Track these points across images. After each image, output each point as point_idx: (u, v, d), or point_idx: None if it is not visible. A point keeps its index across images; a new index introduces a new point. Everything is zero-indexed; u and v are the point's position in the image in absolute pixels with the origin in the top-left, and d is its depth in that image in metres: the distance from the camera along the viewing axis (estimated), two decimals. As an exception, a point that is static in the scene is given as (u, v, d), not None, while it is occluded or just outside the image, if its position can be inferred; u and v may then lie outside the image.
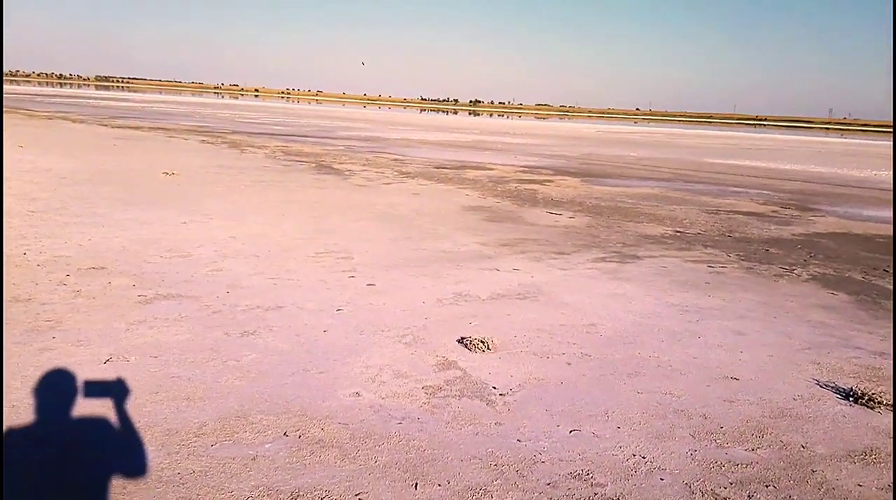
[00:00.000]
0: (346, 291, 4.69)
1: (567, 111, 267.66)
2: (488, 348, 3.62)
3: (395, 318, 4.15)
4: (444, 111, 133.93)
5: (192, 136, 19.28)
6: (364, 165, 14.27)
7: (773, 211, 10.28)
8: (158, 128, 21.67)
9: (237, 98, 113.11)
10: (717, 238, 7.65)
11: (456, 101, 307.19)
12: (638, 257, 6.33)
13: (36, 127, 18.78)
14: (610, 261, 6.12)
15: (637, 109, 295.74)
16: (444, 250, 6.17)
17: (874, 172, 19.63)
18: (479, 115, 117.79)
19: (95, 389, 2.91)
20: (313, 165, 13.55)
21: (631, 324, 4.30)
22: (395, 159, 15.98)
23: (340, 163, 14.21)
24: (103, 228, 6.15)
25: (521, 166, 15.70)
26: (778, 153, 28.17)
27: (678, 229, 8.04)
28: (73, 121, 22.59)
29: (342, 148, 18.71)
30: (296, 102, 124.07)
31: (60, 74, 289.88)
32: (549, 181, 12.79)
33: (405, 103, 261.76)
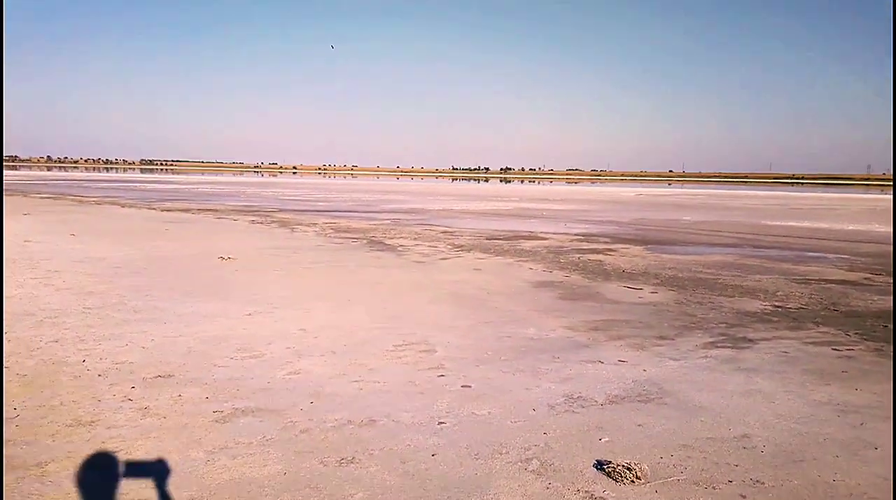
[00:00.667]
0: (441, 396, 4.10)
1: (599, 175, 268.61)
2: (637, 478, 2.97)
3: (508, 433, 3.54)
4: (475, 180, 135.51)
5: (240, 216, 19.30)
6: (415, 239, 13.90)
7: (866, 278, 9.47)
8: (207, 209, 21.84)
9: (276, 176, 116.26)
10: (823, 313, 6.90)
11: (487, 169, 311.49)
12: (751, 341, 5.63)
13: (86, 213, 19.03)
14: (722, 346, 5.44)
15: (670, 171, 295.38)
16: (532, 337, 5.58)
17: (949, 228, 18.55)
18: (510, 182, 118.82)
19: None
20: (365, 241, 13.22)
21: (788, 433, 3.61)
22: (445, 232, 15.61)
23: (391, 238, 13.86)
24: (165, 325, 5.73)
25: (575, 235, 15.16)
26: (832, 212, 27.17)
27: (776, 304, 7.31)
28: (123, 205, 22.96)
29: (388, 222, 18.48)
30: (332, 177, 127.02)
31: (107, 159, 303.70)
32: (612, 250, 12.18)
33: (437, 173, 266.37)
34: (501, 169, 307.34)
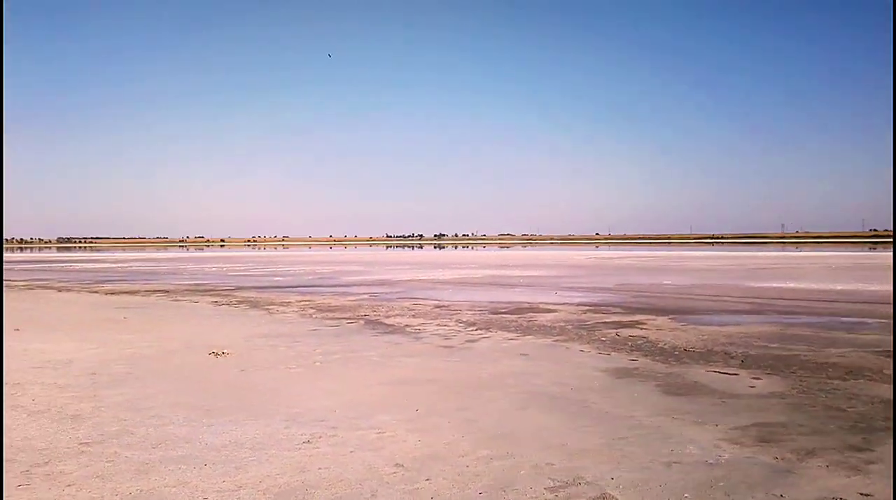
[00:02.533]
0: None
1: (530, 239, 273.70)
2: None
3: None
4: (410, 246, 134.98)
5: (198, 297, 17.37)
6: (414, 316, 12.52)
7: (938, 343, 8.72)
8: (155, 291, 19.74)
9: (203, 250, 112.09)
10: (967, 394, 5.95)
11: (421, 235, 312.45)
12: (957, 443, 4.55)
13: (21, 300, 16.70)
14: (937, 455, 4.32)
15: (596, 234, 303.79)
16: (705, 460, 4.29)
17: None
18: (444, 247, 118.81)
19: None
20: (361, 322, 11.73)
21: None
22: (438, 306, 14.29)
23: (387, 316, 12.42)
24: (207, 469, 4.15)
25: (579, 304, 14.13)
26: (802, 272, 27.42)
27: (903, 384, 6.34)
28: (59, 289, 20.53)
29: (367, 297, 17.01)
30: (263, 249, 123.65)
31: (21, 239, 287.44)
32: (640, 323, 11.15)
33: (371, 241, 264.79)
34: (435, 235, 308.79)
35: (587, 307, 13.82)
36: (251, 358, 8.17)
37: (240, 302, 15.88)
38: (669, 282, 21.33)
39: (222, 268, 34.91)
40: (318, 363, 7.80)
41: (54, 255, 74.47)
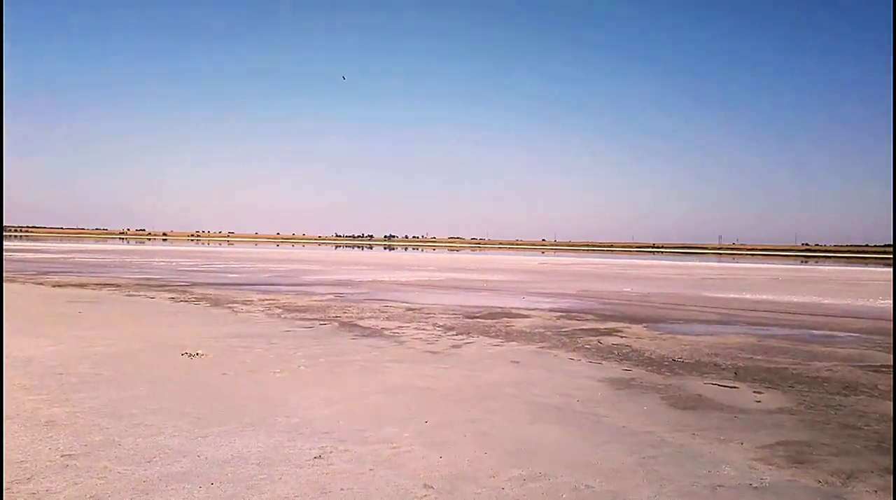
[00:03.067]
0: None
1: (479, 243, 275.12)
2: None
3: None
4: (360, 247, 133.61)
5: (153, 292, 16.55)
6: (388, 319, 12.17)
7: (912, 359, 8.92)
8: (106, 284, 18.74)
9: (144, 243, 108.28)
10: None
11: (371, 236, 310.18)
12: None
13: (-42, 290, 15.54)
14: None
15: (543, 240, 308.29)
16: (749, 483, 4.12)
17: (880, 301, 19.36)
18: (394, 249, 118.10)
19: None
20: (335, 323, 11.31)
21: None
22: (410, 309, 13.97)
23: (361, 319, 12.03)
24: (213, 488, 3.76)
25: (550, 310, 14.02)
26: (751, 283, 28.15)
27: (900, 400, 6.38)
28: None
29: (332, 297, 16.55)
30: (207, 244, 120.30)
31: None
32: (618, 331, 11.10)
33: (319, 240, 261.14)
34: (385, 236, 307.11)
35: (559, 313, 13.73)
36: (229, 360, 7.69)
37: (199, 299, 15.19)
38: (629, 289, 21.53)
39: (171, 262, 33.63)
40: (303, 368, 7.39)
41: (-15, 243, 70.60)
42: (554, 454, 4.54)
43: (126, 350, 8.14)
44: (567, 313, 13.74)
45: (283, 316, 12.35)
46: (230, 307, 13.67)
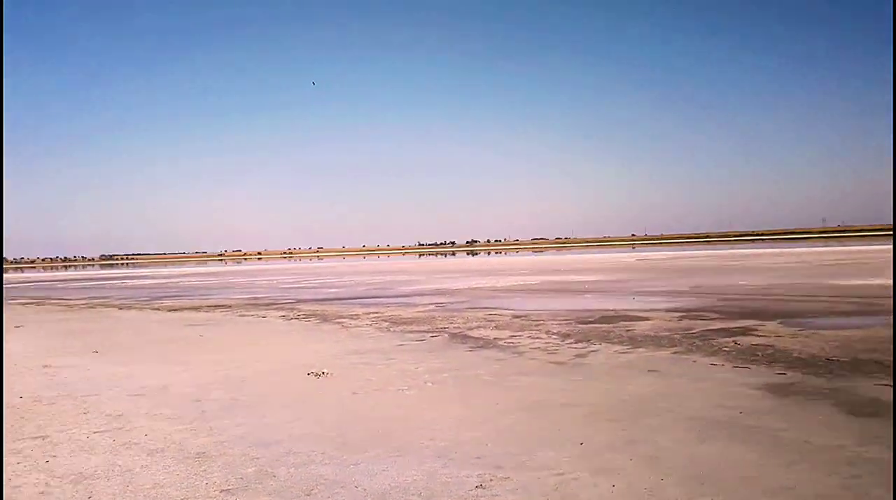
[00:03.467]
0: None
1: (564, 243, 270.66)
2: None
3: None
4: (443, 254, 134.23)
5: (263, 311, 16.96)
6: (496, 328, 11.84)
7: None
8: (217, 306, 19.42)
9: (241, 263, 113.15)
10: None
11: (453, 243, 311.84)
12: None
13: (87, 321, 16.48)
14: None
15: (633, 235, 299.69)
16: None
17: None
18: (477, 254, 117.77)
19: None
20: (446, 335, 11.09)
21: None
22: (516, 316, 13.59)
23: (470, 329, 11.75)
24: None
25: (670, 310, 13.28)
26: (874, 268, 26.00)
27: None
28: (119, 307, 20.37)
29: (433, 307, 16.42)
30: (300, 260, 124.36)
31: (65, 257, 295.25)
32: (752, 330, 10.29)
33: (403, 250, 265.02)
34: (467, 242, 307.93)
35: (680, 313, 12.98)
36: (354, 378, 7.57)
37: (307, 316, 15.41)
38: (745, 282, 20.27)
39: (272, 281, 34.72)
40: (429, 384, 7.16)
41: (101, 272, 75.80)
42: (742, 478, 4.04)
43: (254, 373, 8.19)
44: (689, 313, 12.95)
45: (392, 330, 12.27)
46: (339, 323, 13.75)
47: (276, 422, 5.71)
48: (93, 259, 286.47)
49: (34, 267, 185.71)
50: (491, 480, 4.13)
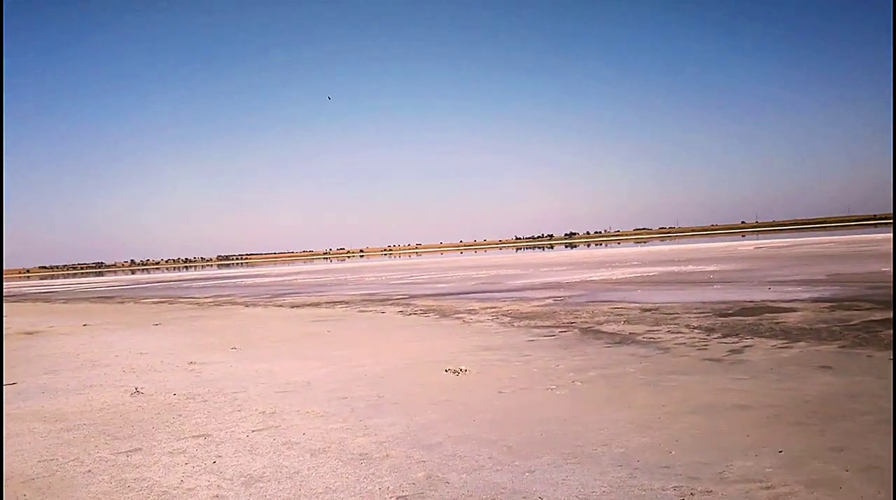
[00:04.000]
0: None
1: (668, 233, 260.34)
2: None
3: None
4: (540, 247, 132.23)
5: (380, 307, 17.10)
6: (627, 322, 11.23)
7: None
8: (336, 302, 19.82)
9: (344, 261, 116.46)
10: None
11: (550, 236, 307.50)
12: None
13: (217, 318, 17.22)
14: None
15: (742, 222, 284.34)
16: None
17: None
18: (576, 246, 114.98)
19: None
20: (576, 330, 10.62)
21: None
22: (645, 309, 12.88)
23: (598, 323, 11.20)
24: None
25: (815, 300, 12.14)
26: None
27: None
28: (245, 305, 21.24)
29: (550, 301, 15.95)
30: (398, 256, 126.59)
31: (185, 258, 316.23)
32: (927, 322, 9.14)
33: (500, 244, 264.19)
34: (565, 234, 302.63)
35: (829, 304, 11.84)
36: (495, 376, 7.29)
37: (425, 311, 15.35)
38: (888, 269, 18.40)
39: (380, 277, 35.31)
40: (578, 383, 6.75)
41: (219, 272, 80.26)
42: None
43: (390, 369, 8.09)
44: (839, 303, 11.80)
45: (515, 325, 11.93)
46: (460, 318, 13.57)
47: (428, 422, 5.51)
48: (210, 260, 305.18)
49: (158, 268, 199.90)
50: (692, 494, 3.70)
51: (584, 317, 12.35)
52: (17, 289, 56.09)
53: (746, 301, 13.17)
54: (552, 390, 6.51)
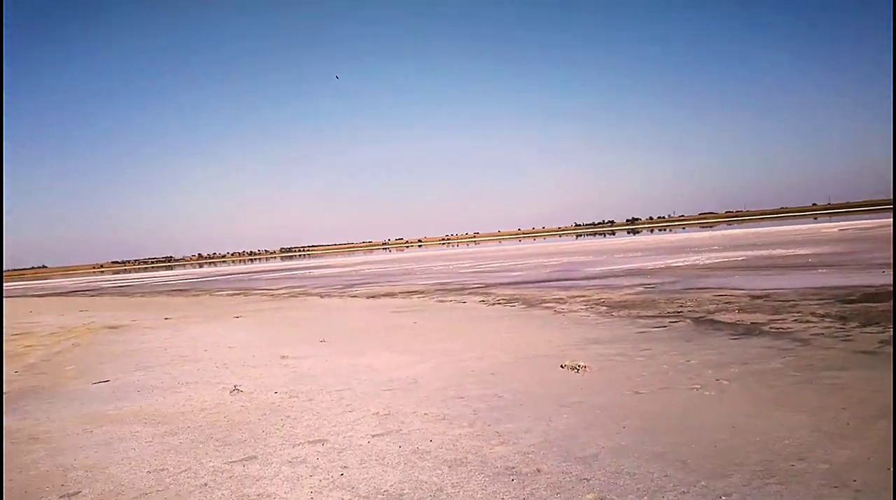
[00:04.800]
0: None
1: (735, 216, 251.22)
2: None
3: None
4: (602, 234, 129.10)
5: (458, 296, 16.52)
6: (741, 311, 10.31)
7: None
8: (411, 292, 19.36)
9: (403, 250, 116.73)
10: None
11: (612, 222, 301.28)
12: None
13: (295, 309, 16.99)
14: None
15: (814, 204, 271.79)
16: None
17: None
18: (639, 232, 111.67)
19: None
20: (688, 321, 9.74)
21: None
22: (756, 297, 11.90)
23: (709, 312, 10.29)
24: None
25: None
26: None
27: None
28: (320, 296, 21.04)
29: (640, 288, 15.05)
30: (457, 246, 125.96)
31: (251, 251, 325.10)
32: None
33: (560, 232, 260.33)
34: (627, 220, 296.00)
35: (973, 288, 10.57)
36: (620, 373, 6.56)
37: (508, 301, 14.68)
38: None
39: (447, 266, 34.80)
40: (724, 382, 5.96)
41: (283, 264, 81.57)
42: None
43: (497, 364, 7.46)
44: (984, 287, 10.52)
45: (614, 314, 11.12)
46: (549, 308, 12.85)
47: (567, 428, 4.84)
48: (274, 252, 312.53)
49: (224, 261, 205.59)
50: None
51: (690, 305, 11.44)
52: (95, 284, 58.27)
53: (866, 286, 11.97)
54: (697, 389, 5.74)
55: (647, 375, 6.42)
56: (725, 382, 5.93)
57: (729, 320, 9.52)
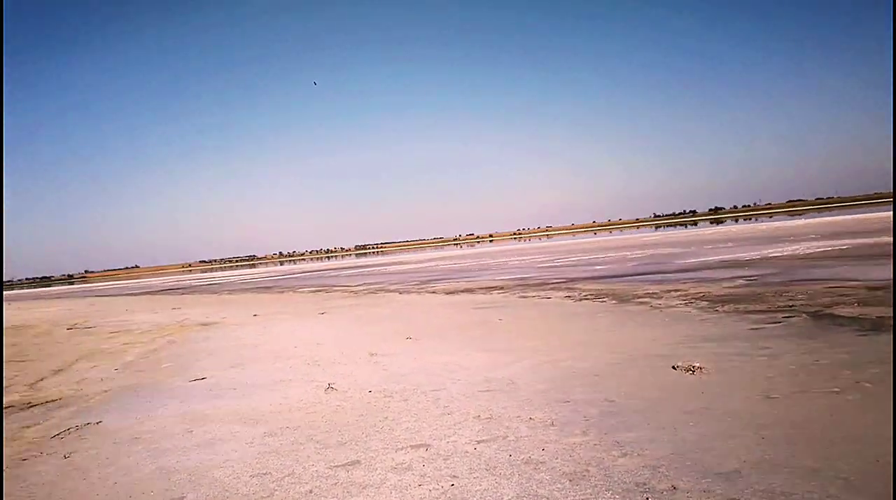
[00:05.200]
0: None
1: (826, 203, 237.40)
2: None
3: None
4: (683, 225, 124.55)
5: (541, 291, 16.02)
6: (862, 303, 9.39)
7: None
8: (489, 288, 19.00)
9: (474, 246, 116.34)
10: None
11: (693, 212, 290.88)
12: None
13: (376, 305, 16.94)
14: None
15: (875, 193, 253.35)
16: None
17: None
18: (722, 222, 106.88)
19: None
20: (803, 316, 8.94)
21: None
22: (873, 288, 10.83)
23: (826, 306, 9.42)
24: None
25: None
26: None
27: None
28: (399, 292, 21.00)
29: (741, 281, 14.11)
30: (528, 240, 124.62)
31: (327, 249, 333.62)
32: None
33: (638, 224, 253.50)
34: (710, 209, 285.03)
35: None
36: (741, 375, 5.98)
37: (596, 296, 14.08)
38: None
39: (523, 260, 34.24)
40: (867, 385, 5.30)
41: (359, 261, 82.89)
42: None
43: (601, 365, 6.99)
44: None
45: (719, 310, 10.40)
46: (644, 303, 12.19)
47: (698, 438, 4.35)
48: (349, 249, 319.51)
49: (303, 258, 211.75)
50: None
51: (801, 299, 10.57)
52: (185, 282, 60.88)
53: None
54: (837, 393, 5.12)
55: (775, 377, 5.82)
56: (868, 385, 5.27)
57: (850, 315, 8.68)
